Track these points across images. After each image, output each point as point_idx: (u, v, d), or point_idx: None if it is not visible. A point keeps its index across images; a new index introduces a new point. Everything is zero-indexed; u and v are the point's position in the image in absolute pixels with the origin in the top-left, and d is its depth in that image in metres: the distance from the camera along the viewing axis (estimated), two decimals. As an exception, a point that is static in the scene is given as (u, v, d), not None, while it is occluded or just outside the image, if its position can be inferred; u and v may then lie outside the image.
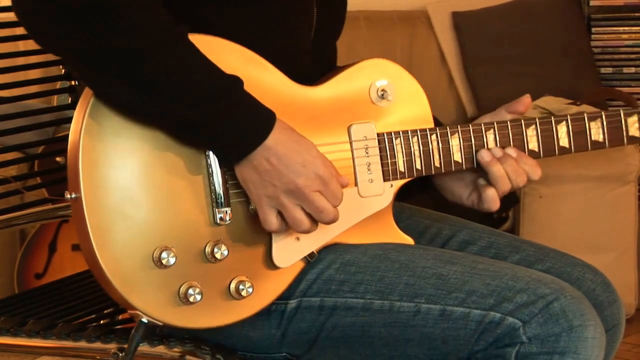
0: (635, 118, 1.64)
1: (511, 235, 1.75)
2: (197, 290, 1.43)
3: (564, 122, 1.62)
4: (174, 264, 1.42)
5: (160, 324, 1.44)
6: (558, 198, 3.44)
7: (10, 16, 1.95)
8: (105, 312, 1.79)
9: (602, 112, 1.63)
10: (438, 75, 3.95)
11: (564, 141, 1.62)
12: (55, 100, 3.21)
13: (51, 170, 2.09)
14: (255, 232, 1.48)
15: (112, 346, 1.57)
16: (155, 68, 1.38)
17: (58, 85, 2.47)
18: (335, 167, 1.50)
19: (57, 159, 2.18)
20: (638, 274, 3.52)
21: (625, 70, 3.97)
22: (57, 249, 3.45)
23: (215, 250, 1.44)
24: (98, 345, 1.60)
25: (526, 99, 1.62)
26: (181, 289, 1.43)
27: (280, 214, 1.45)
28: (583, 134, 1.62)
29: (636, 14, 3.98)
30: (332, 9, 1.67)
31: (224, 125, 1.41)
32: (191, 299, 1.43)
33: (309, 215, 1.45)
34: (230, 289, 1.46)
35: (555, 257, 1.66)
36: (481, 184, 1.60)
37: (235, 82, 1.42)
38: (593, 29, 4.00)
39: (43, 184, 2.23)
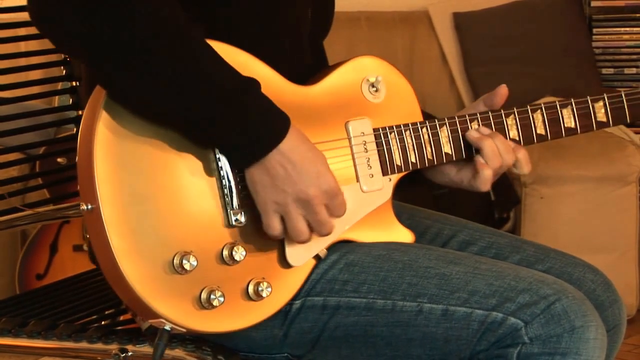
0: (601, 104, 1.67)
1: (511, 235, 1.75)
2: (219, 293, 1.43)
3: (539, 111, 1.65)
4: (194, 268, 1.41)
5: (184, 330, 1.43)
6: (559, 199, 3.44)
7: (12, 17, 1.96)
8: (106, 312, 1.79)
9: (572, 100, 1.66)
10: (439, 75, 3.95)
11: (540, 129, 1.65)
12: (56, 101, 3.21)
13: (52, 171, 2.09)
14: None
15: (113, 347, 1.57)
16: (171, 68, 1.38)
17: (59, 86, 2.47)
18: (336, 163, 1.52)
19: (59, 159, 2.19)
20: (639, 275, 3.52)
21: (626, 70, 3.97)
22: (58, 249, 3.45)
23: (234, 252, 1.44)
24: (99, 346, 1.60)
25: (502, 89, 1.65)
26: (202, 294, 1.43)
27: (282, 220, 1.46)
28: (557, 121, 1.66)
29: (637, 15, 3.97)
30: (322, 8, 1.69)
31: (240, 127, 1.41)
32: (215, 303, 1.42)
33: (309, 225, 1.46)
34: (249, 290, 1.46)
35: (556, 257, 1.66)
36: (480, 162, 1.60)
37: (251, 83, 1.43)
38: (594, 30, 4.00)
39: (44, 184, 2.23)
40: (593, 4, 4.00)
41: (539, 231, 3.41)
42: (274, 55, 1.53)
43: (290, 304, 1.52)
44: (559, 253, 1.68)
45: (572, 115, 1.66)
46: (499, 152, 1.59)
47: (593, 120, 1.67)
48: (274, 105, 1.44)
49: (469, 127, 1.62)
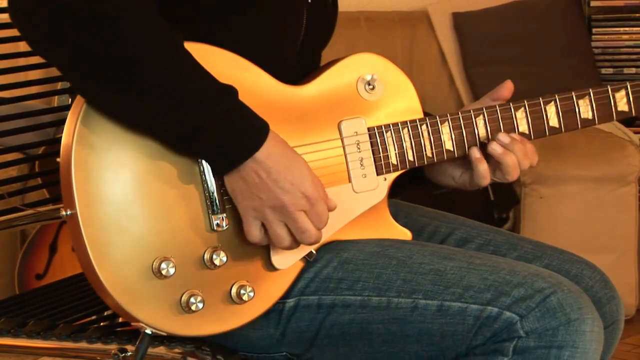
0: (623, 93, 1.66)
1: (509, 232, 1.75)
2: (199, 298, 1.43)
3: (553, 102, 1.63)
4: (173, 273, 1.42)
5: (164, 334, 1.44)
6: (559, 199, 3.44)
7: (11, 17, 1.96)
8: (106, 313, 1.79)
9: (590, 90, 1.64)
10: (439, 75, 3.95)
11: (553, 121, 1.63)
12: (55, 101, 3.22)
13: (52, 171, 2.08)
14: None
15: (112, 347, 1.57)
16: (151, 76, 1.38)
17: (59, 86, 2.47)
18: (328, 165, 1.52)
19: (58, 159, 2.18)
20: (638, 275, 3.52)
21: (625, 70, 3.98)
22: (58, 249, 3.46)
23: (214, 256, 1.44)
24: (99, 346, 1.60)
25: (508, 83, 1.64)
26: (183, 298, 1.43)
27: (264, 226, 1.45)
28: (572, 112, 1.63)
29: (637, 15, 3.98)
30: (321, 19, 1.67)
31: (216, 135, 1.41)
32: (193, 307, 1.43)
33: (291, 232, 1.45)
34: (232, 294, 1.47)
35: (553, 254, 1.67)
36: (475, 156, 1.59)
37: (229, 91, 1.42)
38: (593, 30, 4.01)
39: (44, 184, 2.23)
40: (592, 3, 4.01)
41: (538, 231, 3.41)
42: (262, 55, 1.52)
43: (282, 303, 1.52)
44: (557, 250, 1.68)
45: (589, 106, 1.64)
46: (518, 163, 1.59)
47: (613, 110, 1.65)
48: (252, 112, 1.43)
49: (474, 123, 1.60)
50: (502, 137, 1.60)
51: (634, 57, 3.97)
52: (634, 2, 3.98)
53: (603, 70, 3.98)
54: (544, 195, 3.43)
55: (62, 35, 1.36)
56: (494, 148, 1.59)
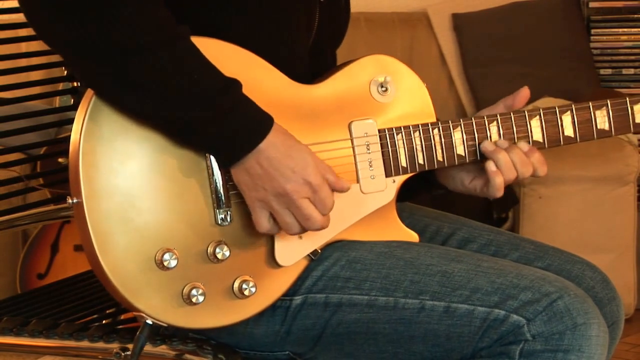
0: None
1: (510, 232, 1.75)
2: (200, 291, 1.44)
3: (569, 112, 1.62)
4: (176, 265, 1.42)
5: (165, 325, 1.45)
6: (557, 199, 3.45)
7: (13, 18, 1.97)
8: (107, 312, 1.79)
9: (608, 101, 1.63)
10: (438, 76, 3.96)
11: (569, 131, 1.61)
12: (57, 102, 3.22)
13: (53, 171, 2.10)
14: (257, 232, 1.48)
15: (114, 346, 1.58)
16: (152, 68, 1.37)
17: (60, 86, 2.49)
18: (337, 165, 1.51)
19: (60, 159, 2.20)
20: (637, 274, 3.53)
21: (624, 71, 3.98)
22: (60, 249, 3.46)
23: (217, 250, 1.45)
24: (100, 345, 1.61)
25: (524, 91, 1.63)
26: (184, 290, 1.44)
27: (272, 216, 1.46)
28: (588, 122, 1.62)
29: (635, 16, 3.99)
30: (334, 19, 1.67)
31: (219, 128, 1.41)
32: (194, 300, 1.43)
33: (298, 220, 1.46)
34: (234, 288, 1.47)
35: (555, 254, 1.67)
36: (492, 169, 1.58)
37: (232, 84, 1.42)
38: (592, 31, 4.01)
39: (45, 184, 2.24)
40: (591, 4, 4.02)
41: (537, 231, 3.42)
42: (274, 53, 1.52)
43: (289, 300, 1.53)
44: (558, 250, 1.68)
45: (606, 117, 1.62)
46: (513, 165, 1.57)
47: (630, 123, 1.63)
48: (255, 106, 1.43)
49: (487, 129, 1.60)
50: (501, 141, 1.59)
51: (632, 57, 3.98)
52: (632, 3, 3.99)
53: (602, 71, 3.99)
54: (543, 195, 3.44)
55: (64, 24, 1.36)
56: (485, 146, 1.58)
